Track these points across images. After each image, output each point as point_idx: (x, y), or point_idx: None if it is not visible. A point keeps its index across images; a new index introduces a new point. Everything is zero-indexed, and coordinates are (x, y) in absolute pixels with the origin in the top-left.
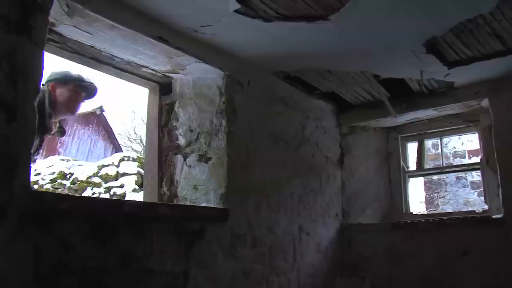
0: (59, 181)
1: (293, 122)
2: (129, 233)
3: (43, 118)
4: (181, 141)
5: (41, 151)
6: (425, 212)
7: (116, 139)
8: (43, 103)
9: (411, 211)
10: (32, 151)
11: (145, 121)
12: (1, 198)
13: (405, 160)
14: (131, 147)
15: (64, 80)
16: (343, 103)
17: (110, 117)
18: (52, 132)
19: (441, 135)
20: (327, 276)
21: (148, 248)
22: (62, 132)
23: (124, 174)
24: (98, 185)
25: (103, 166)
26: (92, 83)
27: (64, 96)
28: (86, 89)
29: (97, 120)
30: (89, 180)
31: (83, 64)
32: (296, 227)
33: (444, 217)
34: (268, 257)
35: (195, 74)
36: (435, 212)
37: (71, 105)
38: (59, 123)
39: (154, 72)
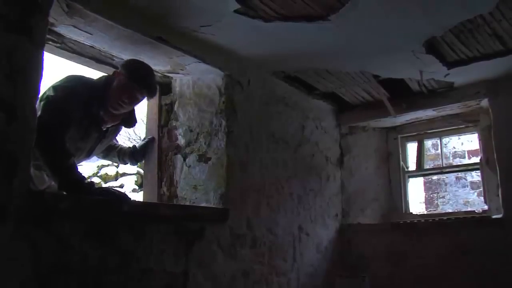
0: None
1: (292, 122)
2: (128, 233)
3: (90, 106)
4: (181, 141)
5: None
6: (425, 212)
7: (116, 139)
8: (94, 89)
9: (410, 211)
10: (90, 145)
11: (145, 121)
12: (0, 198)
13: (405, 160)
14: None
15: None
16: (342, 103)
17: None
18: (110, 125)
19: (440, 135)
20: (327, 276)
21: (148, 248)
22: (129, 122)
23: (124, 174)
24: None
25: (103, 166)
26: (149, 81)
27: (115, 87)
28: (143, 87)
29: None
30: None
31: (82, 64)
32: (296, 227)
33: (444, 217)
34: (267, 257)
35: (194, 74)
36: (434, 212)
37: (116, 100)
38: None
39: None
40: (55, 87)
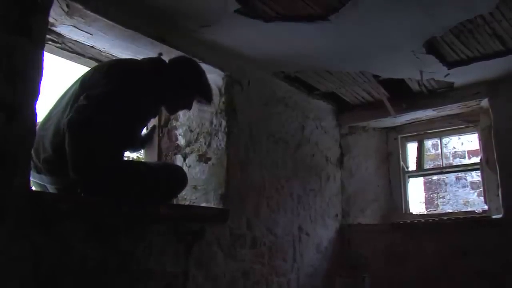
0: None
1: (292, 122)
2: (128, 233)
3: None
4: (181, 141)
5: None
6: (425, 212)
7: None
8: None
9: (410, 211)
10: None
11: None
12: (0, 198)
13: (405, 160)
14: None
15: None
16: (343, 103)
17: None
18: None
19: (440, 135)
20: (327, 276)
21: (148, 248)
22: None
23: None
24: None
25: None
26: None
27: (176, 97)
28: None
29: None
30: None
31: (82, 64)
32: (296, 228)
33: (444, 217)
34: (267, 258)
35: None
36: (434, 212)
37: (174, 108)
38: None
39: None
40: (122, 73)
